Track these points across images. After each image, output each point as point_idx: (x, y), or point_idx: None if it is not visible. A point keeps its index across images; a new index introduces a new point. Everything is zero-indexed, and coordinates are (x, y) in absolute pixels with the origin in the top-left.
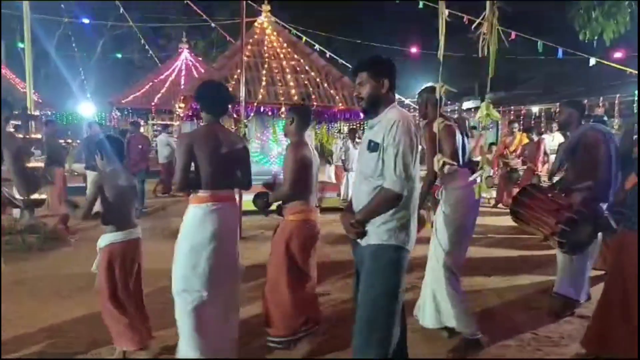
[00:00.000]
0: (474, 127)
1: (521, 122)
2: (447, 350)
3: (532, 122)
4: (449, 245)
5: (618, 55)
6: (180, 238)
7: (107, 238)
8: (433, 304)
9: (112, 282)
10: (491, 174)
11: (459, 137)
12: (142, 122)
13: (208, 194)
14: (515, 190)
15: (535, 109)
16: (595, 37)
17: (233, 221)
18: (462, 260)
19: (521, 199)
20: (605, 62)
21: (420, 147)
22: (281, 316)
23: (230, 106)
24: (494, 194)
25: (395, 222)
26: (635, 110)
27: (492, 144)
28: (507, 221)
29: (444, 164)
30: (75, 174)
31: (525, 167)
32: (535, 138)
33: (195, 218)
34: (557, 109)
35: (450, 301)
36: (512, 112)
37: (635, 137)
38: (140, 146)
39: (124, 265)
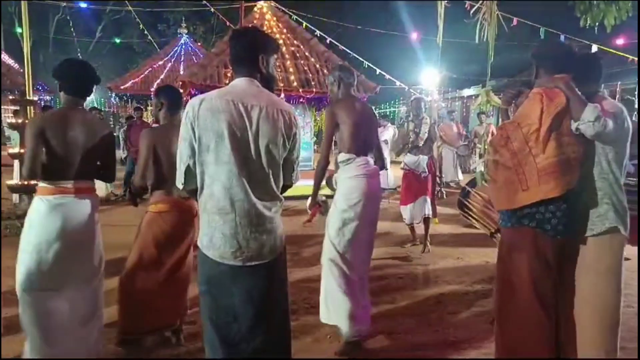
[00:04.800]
0: (483, 113)
1: None
2: (334, 352)
3: None
4: (335, 238)
5: (620, 42)
6: (24, 232)
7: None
8: (323, 298)
9: None
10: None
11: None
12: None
13: (55, 185)
14: None
15: None
16: (597, 24)
17: (87, 215)
18: (353, 256)
19: (470, 192)
20: (607, 49)
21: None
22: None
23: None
24: None
25: (200, 220)
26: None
27: None
28: None
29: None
30: None
31: None
32: None
33: (39, 211)
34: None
35: (336, 298)
36: None
37: None
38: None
39: None
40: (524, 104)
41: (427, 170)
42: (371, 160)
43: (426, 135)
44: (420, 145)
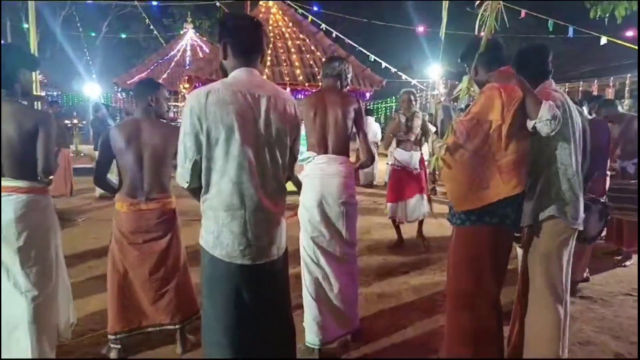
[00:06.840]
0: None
1: None
2: None
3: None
4: (304, 240)
5: (630, 34)
6: None
7: None
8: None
9: None
10: None
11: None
12: None
13: None
14: None
15: None
16: (607, 15)
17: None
18: (324, 260)
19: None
20: (617, 41)
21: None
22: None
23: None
24: None
25: (203, 219)
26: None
27: None
28: None
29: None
30: (82, 155)
31: None
32: None
33: None
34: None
35: (306, 301)
36: None
37: None
38: None
39: None
40: (480, 99)
41: (419, 166)
42: (337, 159)
43: (418, 130)
44: (412, 139)
